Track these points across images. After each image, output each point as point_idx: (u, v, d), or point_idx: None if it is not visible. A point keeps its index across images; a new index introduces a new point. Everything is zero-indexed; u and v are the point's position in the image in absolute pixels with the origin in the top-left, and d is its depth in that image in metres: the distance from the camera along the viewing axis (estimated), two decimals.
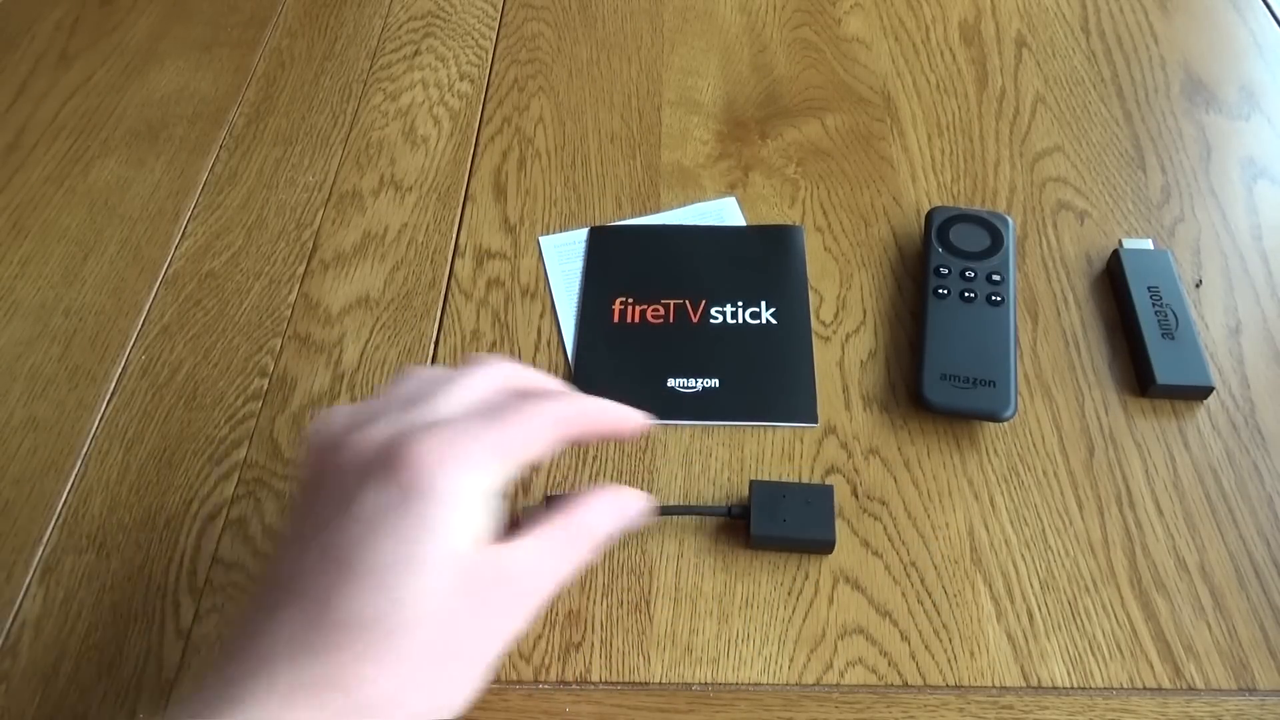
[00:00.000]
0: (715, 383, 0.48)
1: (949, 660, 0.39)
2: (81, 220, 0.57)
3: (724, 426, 0.47)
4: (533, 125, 0.61)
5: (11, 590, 0.42)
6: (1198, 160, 0.58)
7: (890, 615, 0.41)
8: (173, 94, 0.64)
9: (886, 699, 0.38)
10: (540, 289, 0.53)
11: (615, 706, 0.38)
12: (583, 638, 0.40)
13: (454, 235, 0.55)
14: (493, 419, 0.30)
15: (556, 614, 0.41)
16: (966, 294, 0.49)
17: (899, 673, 0.39)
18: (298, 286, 0.53)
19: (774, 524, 0.42)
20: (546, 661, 0.40)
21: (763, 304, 0.51)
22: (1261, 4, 0.68)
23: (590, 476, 0.45)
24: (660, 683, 0.39)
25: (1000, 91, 0.62)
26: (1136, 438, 0.46)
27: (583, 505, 0.31)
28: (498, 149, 0.60)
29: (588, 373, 0.49)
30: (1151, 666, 0.39)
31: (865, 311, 0.51)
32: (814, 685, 0.39)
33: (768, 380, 0.48)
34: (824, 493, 0.43)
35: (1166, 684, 0.39)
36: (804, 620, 0.40)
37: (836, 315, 0.51)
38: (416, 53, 0.67)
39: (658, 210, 0.56)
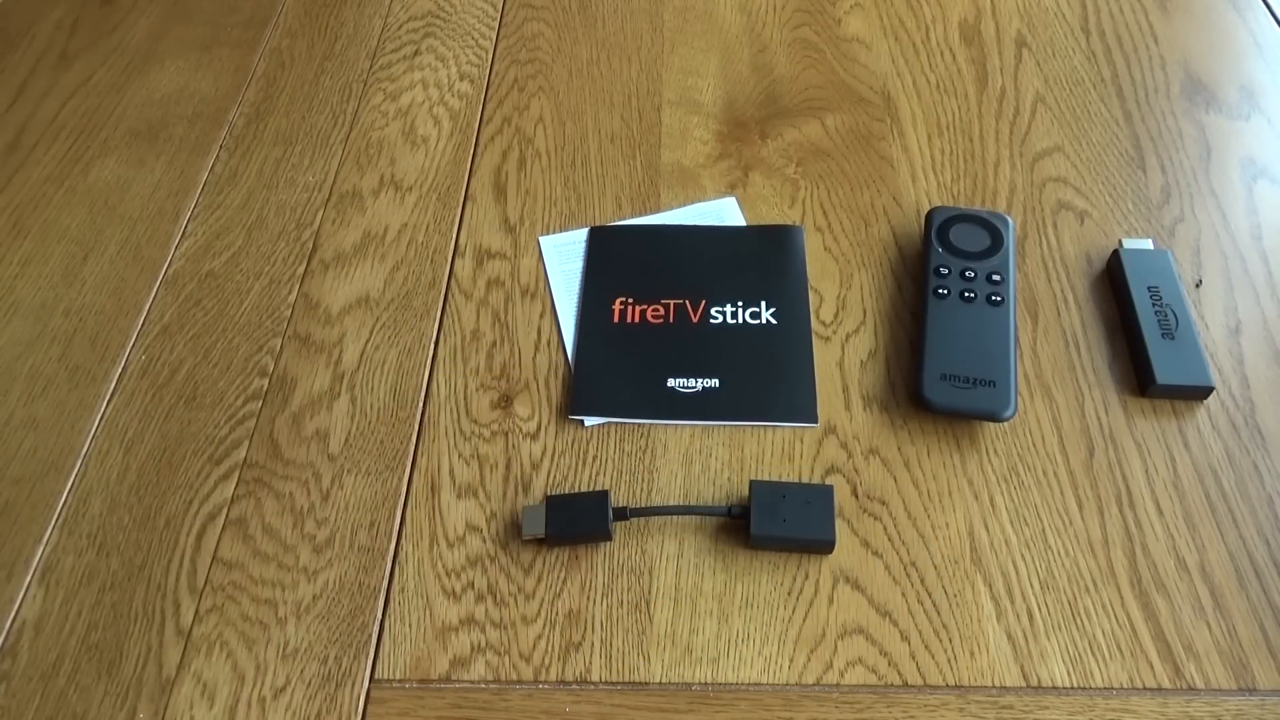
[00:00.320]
0: (715, 383, 0.48)
1: (949, 660, 0.39)
2: (81, 220, 0.57)
3: (724, 426, 0.47)
4: (533, 125, 0.61)
5: (11, 590, 0.42)
6: (1198, 160, 0.58)
7: (890, 615, 0.41)
8: (173, 94, 0.64)
9: (886, 699, 0.38)
10: (540, 289, 0.53)
11: (615, 706, 0.38)
12: (583, 638, 0.40)
13: (454, 235, 0.55)
14: None
15: (556, 614, 0.41)
16: (966, 294, 0.49)
17: (899, 673, 0.39)
18: (298, 286, 0.53)
19: (774, 524, 0.42)
20: (546, 661, 0.40)
21: (763, 304, 0.51)
22: (1261, 4, 0.68)
23: (590, 476, 0.45)
24: (660, 683, 0.39)
25: (1000, 91, 0.62)
26: (1136, 438, 0.46)
27: None
28: (498, 149, 0.60)
29: (588, 373, 0.49)
30: (1151, 666, 0.39)
31: (865, 311, 0.51)
32: (814, 685, 0.39)
33: (768, 380, 0.48)
34: (824, 493, 0.43)
35: (1166, 684, 0.39)
36: (804, 620, 0.40)
37: (836, 315, 0.51)
38: (416, 53, 0.67)
39: (658, 210, 0.56)
